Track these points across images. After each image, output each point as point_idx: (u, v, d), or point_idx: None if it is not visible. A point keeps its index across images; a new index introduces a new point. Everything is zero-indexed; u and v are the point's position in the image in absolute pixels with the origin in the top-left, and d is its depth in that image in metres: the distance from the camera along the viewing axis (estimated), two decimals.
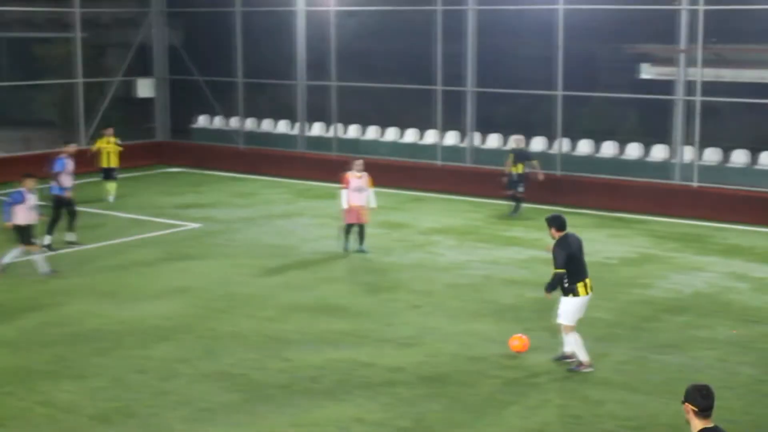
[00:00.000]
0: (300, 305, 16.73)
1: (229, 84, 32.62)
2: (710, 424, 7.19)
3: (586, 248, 13.92)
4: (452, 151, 28.65)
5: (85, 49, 32.06)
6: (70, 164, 21.57)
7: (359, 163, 20.38)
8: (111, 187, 26.46)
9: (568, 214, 14.53)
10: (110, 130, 26.96)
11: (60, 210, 21.13)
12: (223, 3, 32.59)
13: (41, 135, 32.92)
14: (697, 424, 7.20)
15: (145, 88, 33.86)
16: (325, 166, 29.24)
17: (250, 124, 32.95)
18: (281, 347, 14.58)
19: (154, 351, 14.44)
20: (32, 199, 18.70)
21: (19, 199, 18.47)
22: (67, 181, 21.34)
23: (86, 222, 22.89)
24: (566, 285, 13.36)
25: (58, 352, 14.38)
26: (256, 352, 14.38)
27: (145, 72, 34.09)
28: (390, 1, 29.40)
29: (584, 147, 27.10)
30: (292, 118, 32.11)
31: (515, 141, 25.21)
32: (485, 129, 28.40)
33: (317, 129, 31.68)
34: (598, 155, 26.89)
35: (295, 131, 31.95)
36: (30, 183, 18.69)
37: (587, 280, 13.45)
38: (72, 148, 22.38)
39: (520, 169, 24.41)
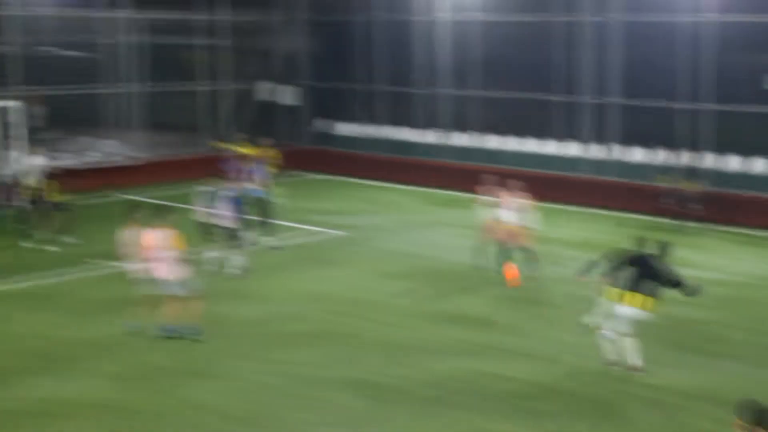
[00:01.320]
0: (437, 314, 16.63)
1: (372, 92, 32.74)
2: None
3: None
4: (596, 164, 28.11)
5: (231, 56, 32.70)
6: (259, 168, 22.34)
7: (516, 182, 19.47)
8: (276, 191, 27.00)
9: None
10: (267, 140, 27.37)
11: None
12: (367, 11, 32.75)
13: (186, 139, 33.66)
14: None
15: (290, 95, 34.28)
16: (466, 175, 29.00)
17: (392, 132, 32.99)
18: (416, 355, 14.49)
19: (295, 356, 14.51)
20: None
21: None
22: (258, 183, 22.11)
23: None
24: None
25: (194, 352, 14.58)
26: (391, 360, 14.32)
27: (291, 79, 34.51)
28: (533, 11, 29.05)
29: (734, 162, 26.11)
30: (434, 127, 32.01)
31: (688, 156, 24.45)
32: (630, 141, 27.73)
33: (458, 138, 31.48)
34: (749, 171, 25.88)
35: (437, 140, 31.84)
36: (232, 183, 19.79)
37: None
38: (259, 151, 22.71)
39: (693, 186, 23.76)
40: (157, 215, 15.41)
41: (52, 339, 15.22)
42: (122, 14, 29.63)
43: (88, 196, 25.62)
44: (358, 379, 13.55)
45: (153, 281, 14.99)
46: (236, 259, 19.19)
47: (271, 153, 27.05)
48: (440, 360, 14.32)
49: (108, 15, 29.72)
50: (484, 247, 19.63)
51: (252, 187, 21.89)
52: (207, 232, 19.36)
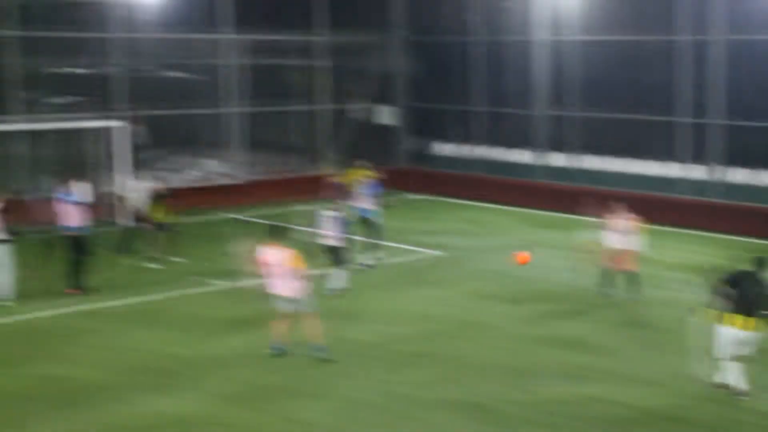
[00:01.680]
0: (540, 337, 16.55)
1: (470, 112, 32.78)
2: None
3: None
4: (697, 184, 27.71)
5: (330, 76, 33.07)
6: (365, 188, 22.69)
7: (622, 204, 19.11)
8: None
9: None
10: (361, 162, 27.67)
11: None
12: (465, 32, 32.83)
13: (287, 159, 34.09)
14: None
15: (387, 115, 34.51)
16: (565, 196, 28.89)
17: (489, 152, 32.96)
18: (526, 379, 14.44)
19: (395, 375, 14.58)
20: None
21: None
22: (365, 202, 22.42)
23: None
24: None
25: (304, 371, 14.73)
26: (495, 382, 14.30)
27: (388, 99, 34.74)
28: (632, 30, 28.81)
29: None
30: (532, 147, 31.92)
31: None
32: (733, 162, 27.28)
33: (557, 159, 31.31)
34: None
35: (534, 160, 31.73)
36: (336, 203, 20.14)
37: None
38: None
39: None
40: (275, 234, 15.47)
41: (164, 355, 15.53)
42: (224, 36, 30.16)
43: (190, 215, 26.04)
44: (463, 400, 13.56)
45: (273, 298, 15.19)
46: (337, 279, 19.36)
47: (370, 173, 27.30)
48: (544, 383, 14.26)
49: (210, 37, 30.27)
50: (585, 269, 19.51)
51: (361, 206, 22.11)
52: (311, 251, 19.55)
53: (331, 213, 19.49)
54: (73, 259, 19.36)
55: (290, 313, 15.18)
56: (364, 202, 22.35)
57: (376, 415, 13.01)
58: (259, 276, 15.29)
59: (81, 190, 19.58)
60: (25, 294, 19.12)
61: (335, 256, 19.37)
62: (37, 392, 13.83)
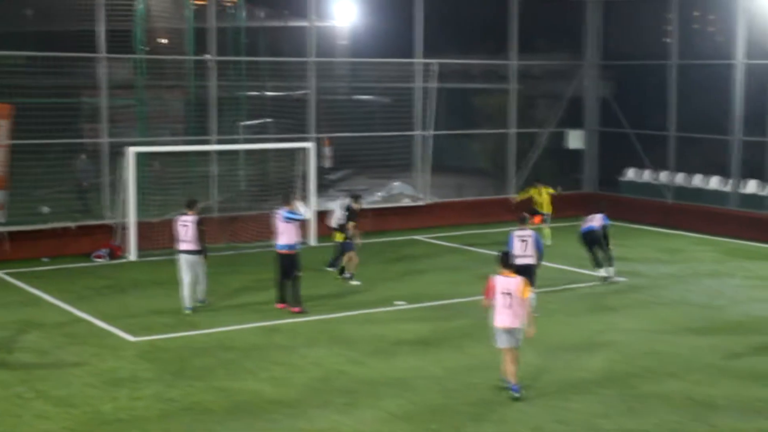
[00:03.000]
0: (729, 369, 15.98)
1: (660, 137, 32.07)
2: None
3: None
4: None
5: (518, 100, 33.02)
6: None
7: None
8: (546, 232, 27.28)
9: None
10: (541, 183, 27.78)
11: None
12: (658, 56, 32.20)
13: (473, 182, 34.18)
14: None
15: (575, 139, 34.16)
16: (760, 225, 27.90)
17: (679, 178, 32.13)
18: (706, 412, 13.98)
19: (574, 403, 14.36)
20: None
21: (510, 241, 19.15)
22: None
23: None
24: None
25: (482, 395, 14.67)
26: (679, 414, 13.89)
27: (576, 123, 34.40)
28: None
29: None
30: (725, 174, 30.93)
31: None
32: None
33: (752, 186, 30.20)
34: None
35: (728, 188, 30.73)
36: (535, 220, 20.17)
37: None
38: None
39: None
40: (505, 262, 14.68)
41: (344, 373, 15.70)
42: (414, 60, 30.48)
43: (375, 236, 26.36)
44: (639, 431, 13.24)
45: (496, 332, 14.57)
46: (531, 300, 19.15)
47: (544, 195, 27.38)
48: (725, 416, 13.75)
49: (400, 61, 30.66)
50: None
51: (590, 224, 22.48)
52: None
53: (523, 233, 19.12)
54: (286, 276, 19.81)
55: (509, 347, 14.53)
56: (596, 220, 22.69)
57: None
58: (491, 306, 14.55)
59: (299, 209, 20.17)
60: (210, 308, 19.85)
61: (528, 277, 19.18)
62: (216, 405, 14.17)
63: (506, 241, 19.23)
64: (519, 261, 18.20)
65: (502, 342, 14.54)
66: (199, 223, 19.59)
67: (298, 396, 14.63)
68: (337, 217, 23.29)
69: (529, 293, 14.57)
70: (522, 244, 18.90)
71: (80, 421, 13.43)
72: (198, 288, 19.85)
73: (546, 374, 15.70)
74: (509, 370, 14.59)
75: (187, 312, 19.44)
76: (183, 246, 19.54)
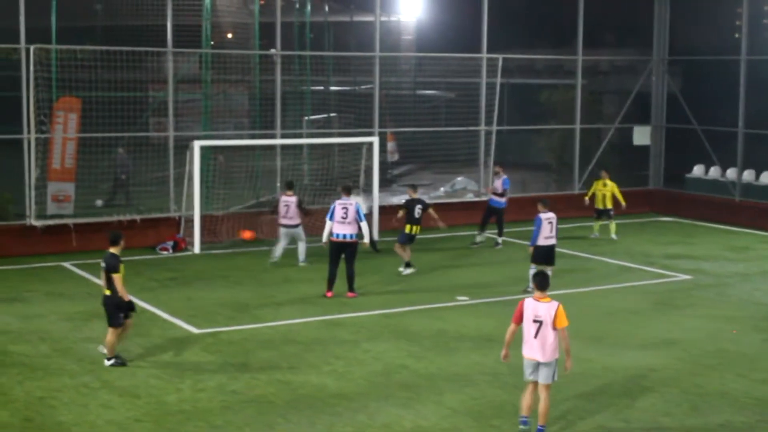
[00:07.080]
0: None
1: (728, 134, 31.61)
2: None
3: None
4: None
5: (584, 96, 32.74)
6: None
7: None
8: (612, 227, 27.47)
9: None
10: (605, 173, 27.57)
11: None
12: (727, 51, 31.78)
13: (537, 177, 33.99)
14: None
15: (641, 135, 33.80)
16: None
17: (748, 176, 31.66)
18: (767, 409, 13.82)
19: (638, 401, 14.23)
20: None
21: (539, 224, 20.36)
22: None
23: (573, 266, 23.42)
24: None
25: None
26: (744, 414, 13.72)
27: (642, 119, 34.04)
28: None
29: None
30: None
31: None
32: None
33: None
34: None
35: None
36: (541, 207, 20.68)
37: None
38: None
39: None
40: (536, 282, 12.86)
41: (406, 368, 15.71)
42: (481, 55, 30.32)
43: (443, 230, 26.21)
44: (702, 429, 13.09)
45: (527, 363, 12.85)
46: None
47: (608, 187, 27.26)
48: None
49: (467, 56, 30.51)
50: None
51: None
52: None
53: (548, 215, 20.39)
54: (348, 264, 20.30)
55: (541, 383, 12.72)
56: None
57: None
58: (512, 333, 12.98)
59: (361, 201, 20.47)
60: (273, 301, 20.00)
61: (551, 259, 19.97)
62: (278, 398, 14.24)
63: (535, 226, 20.46)
64: (547, 242, 20.38)
65: (530, 375, 12.74)
66: (300, 203, 22.90)
67: (359, 390, 14.67)
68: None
69: (566, 323, 12.54)
70: (549, 226, 20.45)
71: (144, 412, 13.60)
72: (299, 248, 23.02)
73: (610, 372, 15.58)
74: (531, 405, 12.76)
75: (273, 261, 22.91)
76: (284, 221, 22.85)
